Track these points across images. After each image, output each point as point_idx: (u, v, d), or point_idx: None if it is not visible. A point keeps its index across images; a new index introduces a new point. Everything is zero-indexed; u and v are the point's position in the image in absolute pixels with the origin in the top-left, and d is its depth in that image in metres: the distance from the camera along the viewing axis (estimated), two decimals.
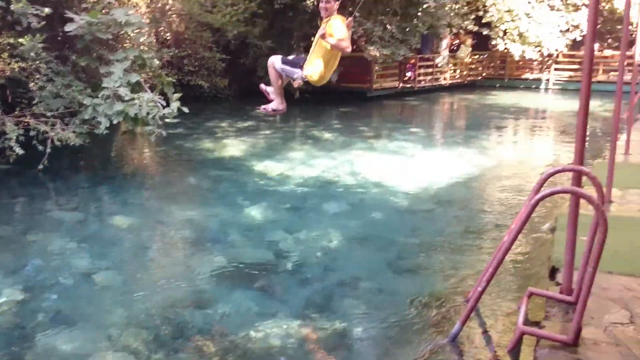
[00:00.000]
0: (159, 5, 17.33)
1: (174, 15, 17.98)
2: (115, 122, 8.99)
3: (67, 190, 8.78)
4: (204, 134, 13.48)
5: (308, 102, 18.78)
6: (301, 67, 5.77)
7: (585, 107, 3.84)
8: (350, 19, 5.53)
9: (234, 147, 11.97)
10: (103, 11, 9.73)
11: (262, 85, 6.36)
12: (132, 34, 10.26)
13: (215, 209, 7.86)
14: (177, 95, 9.47)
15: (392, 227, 7.24)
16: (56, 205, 8.11)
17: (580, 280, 3.78)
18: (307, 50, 19.07)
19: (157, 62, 12.39)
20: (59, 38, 10.30)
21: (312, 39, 19.39)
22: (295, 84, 6.05)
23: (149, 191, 9.16)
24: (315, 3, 17.06)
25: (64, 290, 5.32)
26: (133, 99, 8.96)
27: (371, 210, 7.88)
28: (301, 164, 10.45)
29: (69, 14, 9.25)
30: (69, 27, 9.10)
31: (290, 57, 6.07)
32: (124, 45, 11.72)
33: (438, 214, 7.77)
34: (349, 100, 19.90)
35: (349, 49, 5.61)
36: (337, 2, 5.53)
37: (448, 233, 6.92)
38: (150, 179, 10.01)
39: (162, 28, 17.62)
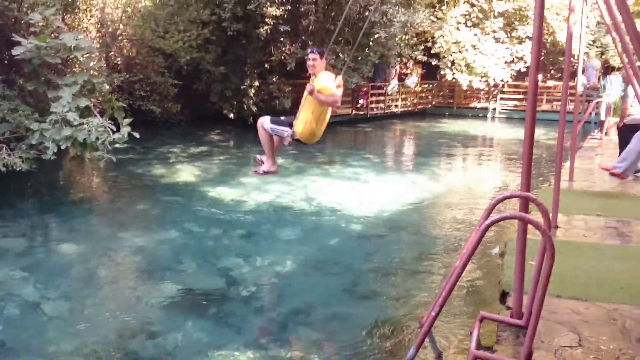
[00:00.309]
0: (110, 30, 17.14)
1: (125, 40, 17.80)
2: (63, 147, 8.76)
3: (12, 217, 8.46)
4: (156, 160, 13.28)
5: None
6: (290, 126, 5.72)
7: (530, 135, 3.97)
8: (339, 76, 5.54)
9: (186, 173, 11.83)
10: (52, 35, 9.54)
11: (257, 156, 6.35)
12: (81, 59, 10.10)
13: (166, 235, 7.72)
14: (127, 120, 9.32)
15: (347, 252, 7.27)
16: (1, 232, 7.80)
17: (530, 305, 3.87)
18: (260, 76, 19.20)
19: (107, 87, 12.19)
20: (6, 62, 10.04)
21: (266, 66, 19.46)
22: (286, 142, 5.92)
23: (98, 218, 8.93)
24: (269, 31, 17.21)
25: (9, 320, 5.09)
26: (82, 123, 8.77)
27: (326, 235, 7.89)
28: (255, 190, 10.40)
29: (17, 38, 9.04)
30: (16, 51, 8.88)
31: (282, 118, 6.00)
32: (73, 69, 11.52)
33: (391, 239, 7.85)
34: None
35: (339, 104, 5.60)
36: (325, 59, 5.58)
37: (401, 258, 6.99)
38: (99, 205, 9.77)
39: (112, 53, 17.39)
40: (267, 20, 16.92)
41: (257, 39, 17.81)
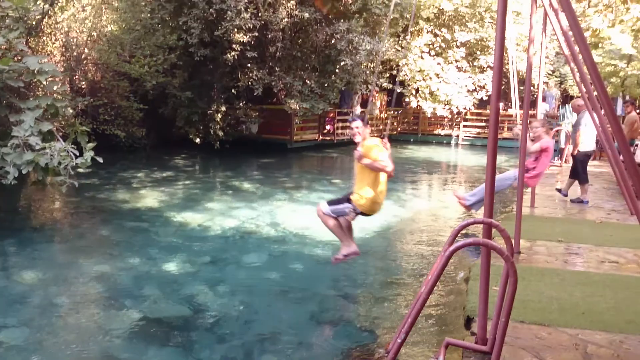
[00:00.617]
0: (75, 53, 16.98)
1: (89, 64, 17.64)
2: (24, 172, 8.56)
3: None
4: (119, 184, 13.09)
5: (228, 152, 18.75)
6: (349, 200, 5.61)
7: (492, 163, 4.06)
8: (385, 139, 5.59)
9: (150, 198, 11.68)
10: (15, 58, 9.40)
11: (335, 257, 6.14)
12: (45, 82, 9.94)
13: (129, 262, 7.58)
14: (91, 145, 9.19)
15: (314, 278, 7.24)
16: None
17: (494, 330, 3.92)
18: (227, 101, 19.16)
19: (71, 111, 12.05)
20: None
21: (233, 91, 19.38)
22: (350, 218, 5.82)
23: (59, 244, 8.72)
24: (236, 57, 17.28)
25: None
26: (44, 148, 8.62)
27: (292, 261, 7.86)
28: (221, 215, 10.32)
29: None
30: None
31: (339, 197, 5.97)
32: (37, 93, 11.33)
33: (358, 264, 7.85)
34: (269, 151, 20.05)
35: (389, 168, 5.52)
36: (368, 126, 5.66)
37: (368, 284, 6.99)
38: (60, 231, 9.55)
39: (77, 76, 17.21)
40: (234, 46, 17.01)
41: (224, 65, 17.86)
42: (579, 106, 10.53)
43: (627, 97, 23.66)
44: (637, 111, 19.99)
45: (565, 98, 29.05)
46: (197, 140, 18.87)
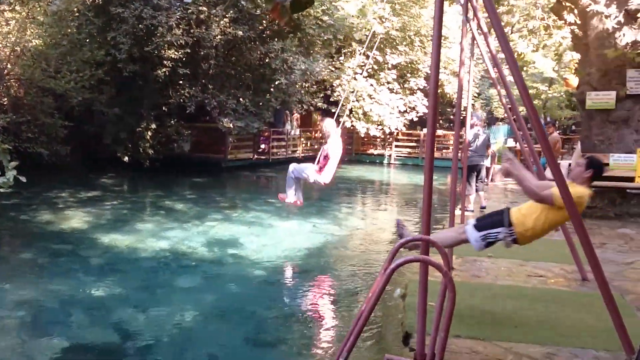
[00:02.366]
0: None
1: (12, 80, 16.85)
2: None
3: None
4: (43, 205, 12.49)
5: (159, 171, 18.29)
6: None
7: (429, 182, 4.12)
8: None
9: (76, 219, 11.20)
10: None
11: None
12: None
13: (54, 286, 7.20)
14: (13, 164, 8.69)
15: (250, 299, 7.11)
16: None
17: (433, 345, 3.94)
18: (158, 119, 18.52)
19: None
20: None
21: (164, 108, 18.95)
22: None
23: None
24: (167, 73, 16.98)
25: None
26: None
27: (228, 282, 7.70)
28: (152, 236, 10.01)
29: None
30: None
31: None
32: None
33: (296, 284, 7.80)
34: (202, 170, 19.71)
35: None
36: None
37: (307, 303, 6.94)
38: None
39: None
40: (165, 62, 16.72)
41: (155, 81, 17.51)
42: (472, 125, 11.36)
43: (549, 119, 24.97)
44: (558, 131, 21.11)
45: (491, 119, 30.23)
46: (126, 158, 18.31)
